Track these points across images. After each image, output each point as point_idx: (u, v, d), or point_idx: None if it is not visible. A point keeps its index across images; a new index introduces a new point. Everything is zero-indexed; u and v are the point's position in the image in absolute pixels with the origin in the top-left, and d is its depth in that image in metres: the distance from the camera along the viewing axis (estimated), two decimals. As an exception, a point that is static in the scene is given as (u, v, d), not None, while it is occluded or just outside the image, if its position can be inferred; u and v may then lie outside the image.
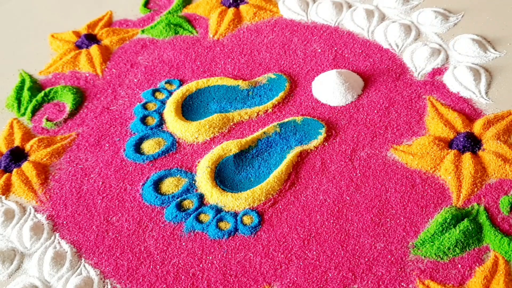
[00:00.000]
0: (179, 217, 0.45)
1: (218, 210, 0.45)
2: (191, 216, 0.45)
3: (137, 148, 0.50)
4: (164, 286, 0.42)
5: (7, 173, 0.50)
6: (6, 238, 0.45)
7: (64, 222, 0.46)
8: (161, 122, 0.52)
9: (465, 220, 0.41)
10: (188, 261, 0.43)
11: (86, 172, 0.49)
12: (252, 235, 0.43)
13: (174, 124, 0.51)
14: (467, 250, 0.40)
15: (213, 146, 0.50)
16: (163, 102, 0.54)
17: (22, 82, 0.58)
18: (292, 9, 0.60)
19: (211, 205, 0.46)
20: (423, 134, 0.47)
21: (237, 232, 0.44)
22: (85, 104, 0.55)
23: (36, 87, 0.57)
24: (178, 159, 0.49)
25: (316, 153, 0.48)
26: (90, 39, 0.61)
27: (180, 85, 0.55)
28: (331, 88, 0.51)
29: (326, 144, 0.48)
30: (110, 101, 0.55)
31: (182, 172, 0.48)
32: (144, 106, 0.54)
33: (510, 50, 0.53)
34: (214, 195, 0.46)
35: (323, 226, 0.43)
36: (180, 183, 0.47)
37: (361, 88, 0.52)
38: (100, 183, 0.48)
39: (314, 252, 0.42)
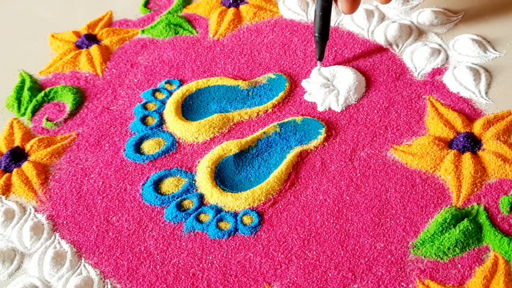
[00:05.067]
0: (179, 217, 0.45)
1: (218, 210, 0.45)
2: (191, 216, 0.45)
3: (137, 148, 0.50)
4: (164, 286, 0.42)
5: (7, 173, 0.50)
6: (6, 238, 0.46)
7: (64, 222, 0.46)
8: (161, 122, 0.52)
9: (465, 220, 0.41)
10: (188, 261, 0.43)
11: (86, 172, 0.49)
12: (252, 235, 0.43)
13: (174, 124, 0.51)
14: (467, 250, 0.40)
15: (213, 146, 0.50)
16: (163, 102, 0.54)
17: (22, 82, 0.58)
18: (292, 9, 0.60)
19: (211, 205, 0.46)
20: (423, 134, 0.47)
21: (237, 232, 0.44)
22: (85, 104, 0.55)
23: (36, 87, 0.57)
24: (178, 159, 0.49)
25: (316, 153, 0.48)
26: (90, 39, 0.61)
27: (180, 85, 0.55)
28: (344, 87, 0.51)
29: (326, 144, 0.48)
30: (110, 101, 0.55)
31: (182, 172, 0.48)
32: (144, 106, 0.54)
33: (510, 50, 0.53)
34: (214, 195, 0.46)
35: (323, 226, 0.43)
36: (180, 183, 0.47)
37: (364, 89, 0.52)
38: (100, 183, 0.48)
39: (314, 252, 0.42)
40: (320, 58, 0.53)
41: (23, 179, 0.49)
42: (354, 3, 0.49)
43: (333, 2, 0.51)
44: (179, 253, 0.43)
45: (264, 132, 0.50)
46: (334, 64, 0.54)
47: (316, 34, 0.52)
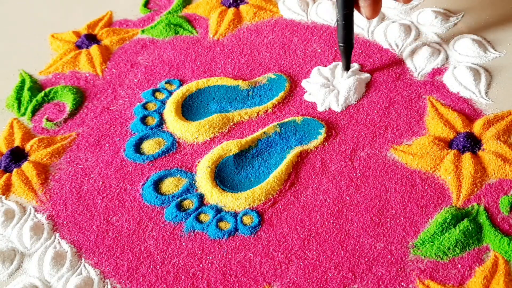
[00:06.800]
0: (179, 217, 0.45)
1: (218, 210, 0.45)
2: (191, 216, 0.45)
3: (137, 148, 0.50)
4: (164, 286, 0.42)
5: (7, 173, 0.50)
6: (6, 238, 0.46)
7: (64, 222, 0.46)
8: (161, 122, 0.52)
9: (465, 220, 0.41)
10: (188, 261, 0.43)
11: (86, 172, 0.49)
12: (252, 235, 0.43)
13: (174, 124, 0.51)
14: (467, 250, 0.40)
15: (213, 146, 0.50)
16: (163, 102, 0.54)
17: (22, 82, 0.58)
18: (292, 9, 0.60)
19: (211, 205, 0.46)
20: (423, 134, 0.47)
21: (237, 232, 0.44)
22: (85, 104, 0.55)
23: (36, 87, 0.57)
24: (178, 159, 0.49)
25: (316, 153, 0.48)
26: (90, 39, 0.61)
27: (180, 85, 0.55)
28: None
29: (326, 144, 0.48)
30: (110, 101, 0.55)
31: (182, 172, 0.48)
32: (144, 106, 0.54)
33: (510, 50, 0.53)
34: (214, 195, 0.46)
35: (323, 226, 0.43)
36: (180, 183, 0.47)
37: (364, 89, 0.52)
38: (100, 183, 0.48)
39: (314, 252, 0.42)
40: (347, 68, 0.51)
41: (23, 179, 0.49)
42: (376, 7, 0.49)
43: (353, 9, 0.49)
44: (179, 253, 0.43)
45: (264, 132, 0.50)
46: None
47: (341, 44, 0.50)
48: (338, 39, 0.50)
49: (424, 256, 0.40)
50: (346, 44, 0.50)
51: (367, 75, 0.52)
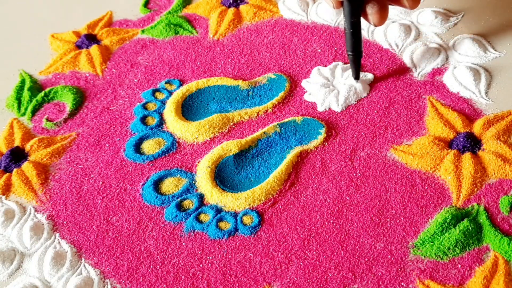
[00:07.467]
0: (179, 217, 0.45)
1: (218, 210, 0.45)
2: (191, 216, 0.45)
3: (137, 148, 0.50)
4: (164, 286, 0.42)
5: (7, 173, 0.50)
6: (6, 238, 0.46)
7: (64, 222, 0.46)
8: (161, 122, 0.52)
9: (465, 220, 0.41)
10: (188, 261, 0.43)
11: (86, 172, 0.49)
12: (252, 235, 0.43)
13: (174, 124, 0.51)
14: (467, 250, 0.40)
15: (213, 146, 0.50)
16: (163, 102, 0.54)
17: (22, 82, 0.58)
18: (292, 9, 0.60)
19: (211, 205, 0.46)
20: (423, 134, 0.47)
21: (237, 232, 0.44)
22: (85, 104, 0.55)
23: (36, 87, 0.57)
24: (178, 159, 0.49)
25: (316, 153, 0.48)
26: (90, 39, 0.61)
27: (180, 85, 0.55)
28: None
29: (326, 144, 0.48)
30: (110, 101, 0.55)
31: (182, 172, 0.48)
32: (144, 106, 0.54)
33: (510, 50, 0.53)
34: (214, 195, 0.46)
35: (323, 226, 0.43)
36: (180, 183, 0.47)
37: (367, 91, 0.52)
38: (100, 183, 0.48)
39: (314, 252, 0.42)
40: (357, 77, 0.51)
41: (23, 179, 0.49)
42: (384, 14, 0.48)
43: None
44: (179, 253, 0.43)
45: (264, 132, 0.50)
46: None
47: (349, 53, 0.49)
48: (347, 47, 0.49)
49: (424, 256, 0.40)
50: (355, 53, 0.49)
51: (370, 76, 0.52)
